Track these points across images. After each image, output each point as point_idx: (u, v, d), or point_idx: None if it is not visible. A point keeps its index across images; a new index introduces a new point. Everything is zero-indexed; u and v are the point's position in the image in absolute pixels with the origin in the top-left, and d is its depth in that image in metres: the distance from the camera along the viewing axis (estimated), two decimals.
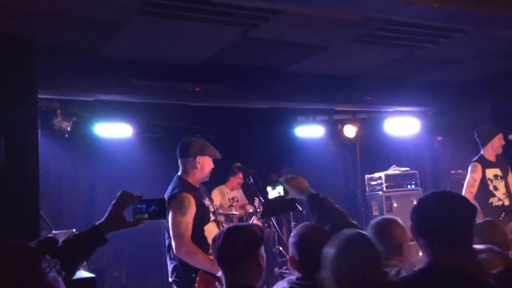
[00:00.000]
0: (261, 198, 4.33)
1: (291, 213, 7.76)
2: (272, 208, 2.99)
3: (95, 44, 5.12)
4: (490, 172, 5.44)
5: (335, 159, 8.77)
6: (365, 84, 6.81)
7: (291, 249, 2.61)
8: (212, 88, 6.09)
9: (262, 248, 2.29)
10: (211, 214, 3.77)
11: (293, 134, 8.03)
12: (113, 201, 2.12)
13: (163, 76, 5.82)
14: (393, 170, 7.39)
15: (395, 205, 7.18)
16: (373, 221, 3.00)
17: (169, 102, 6.31)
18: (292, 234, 2.61)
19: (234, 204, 7.81)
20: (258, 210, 4.86)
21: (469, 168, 5.48)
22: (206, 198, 3.83)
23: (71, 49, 5.15)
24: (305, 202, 2.77)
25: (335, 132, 8.03)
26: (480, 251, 2.48)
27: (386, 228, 2.86)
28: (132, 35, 4.80)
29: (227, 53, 5.45)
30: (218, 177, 8.01)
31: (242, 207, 7.86)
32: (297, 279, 2.57)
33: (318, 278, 2.38)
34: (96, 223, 2.09)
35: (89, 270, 5.20)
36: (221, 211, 7.46)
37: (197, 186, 3.82)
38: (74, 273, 2.01)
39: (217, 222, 3.80)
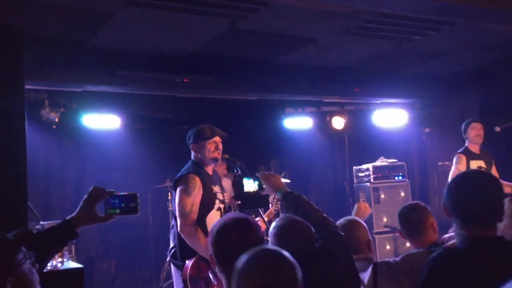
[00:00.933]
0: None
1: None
2: (247, 201, 3.00)
3: (83, 35, 5.09)
4: (474, 164, 5.52)
5: (324, 150, 8.79)
6: (354, 76, 6.84)
7: (270, 239, 2.65)
8: (200, 79, 6.08)
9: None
10: (217, 201, 3.84)
11: (282, 126, 8.05)
12: (85, 196, 2.15)
13: (152, 67, 5.81)
14: (380, 162, 7.44)
15: (382, 196, 7.23)
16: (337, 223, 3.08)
17: (158, 93, 6.30)
18: (272, 226, 2.64)
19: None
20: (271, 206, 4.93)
21: (454, 160, 5.58)
22: (217, 186, 3.92)
23: (59, 39, 5.12)
24: (281, 199, 2.80)
25: (323, 123, 8.05)
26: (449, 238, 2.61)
27: (352, 228, 2.95)
28: (121, 26, 4.77)
29: (216, 44, 5.44)
30: None
31: (231, 197, 7.87)
32: None
33: None
34: (68, 218, 2.11)
35: (78, 261, 5.21)
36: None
37: (210, 172, 3.94)
38: (45, 266, 2.02)
39: (221, 211, 3.85)
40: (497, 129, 5.50)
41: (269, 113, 8.16)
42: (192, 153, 4.00)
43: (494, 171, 5.64)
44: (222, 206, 3.90)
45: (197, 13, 4.49)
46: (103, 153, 7.31)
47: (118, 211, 2.20)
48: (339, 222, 3.05)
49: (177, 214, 3.68)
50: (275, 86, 6.71)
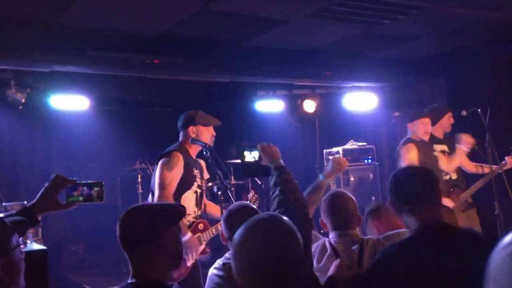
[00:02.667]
0: (219, 171, 4.35)
1: (250, 186, 7.82)
2: (247, 170, 3.13)
3: (50, 13, 4.97)
4: (438, 148, 5.64)
5: (295, 133, 8.84)
6: (325, 59, 6.86)
7: (222, 224, 2.72)
8: (171, 61, 6.02)
9: (176, 232, 2.07)
10: (195, 184, 4.07)
11: (253, 109, 8.04)
12: (46, 184, 2.16)
13: (121, 48, 5.72)
14: (350, 145, 7.52)
15: (352, 179, 7.33)
16: (327, 195, 3.10)
17: (127, 74, 6.21)
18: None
19: None
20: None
21: None
22: (198, 171, 4.14)
23: (25, 18, 5.00)
24: (272, 170, 2.87)
25: (295, 106, 8.08)
26: None
27: (346, 202, 3.01)
28: (90, 4, 4.69)
29: (186, 26, 5.39)
30: None
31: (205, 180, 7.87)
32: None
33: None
34: (28, 205, 2.13)
35: (45, 244, 5.16)
36: None
37: (194, 157, 4.19)
38: (6, 253, 2.02)
39: (197, 194, 4.08)
40: (463, 113, 5.60)
41: (241, 96, 8.14)
42: (182, 135, 4.23)
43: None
44: (199, 190, 4.12)
45: None
46: (71, 134, 7.22)
47: (81, 198, 2.23)
48: (330, 193, 3.11)
49: (156, 186, 3.85)
50: (246, 68, 6.69)
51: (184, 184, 4.02)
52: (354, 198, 3.06)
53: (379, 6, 4.91)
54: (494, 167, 5.49)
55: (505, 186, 5.32)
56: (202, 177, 4.24)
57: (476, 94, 6.69)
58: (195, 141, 4.16)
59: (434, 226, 2.26)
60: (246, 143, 3.04)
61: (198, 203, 4.18)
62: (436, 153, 5.56)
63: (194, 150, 4.22)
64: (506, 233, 1.00)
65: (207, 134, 4.19)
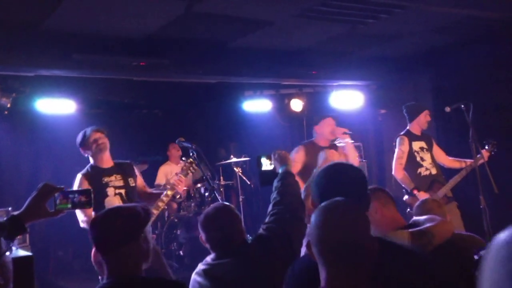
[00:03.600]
0: (207, 173, 4.40)
1: (239, 187, 7.85)
2: (264, 178, 3.20)
3: (35, 17, 4.95)
4: (416, 145, 5.80)
5: (283, 132, 8.89)
6: (311, 58, 6.90)
7: (199, 227, 2.74)
8: (157, 63, 6.02)
9: (148, 231, 2.20)
10: (111, 189, 4.46)
11: (241, 109, 8.08)
12: (34, 193, 2.19)
13: (107, 51, 5.71)
14: (338, 143, 7.56)
15: None
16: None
17: (114, 76, 6.20)
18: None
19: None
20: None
21: (397, 142, 5.87)
22: (114, 175, 4.53)
23: (9, 21, 4.97)
24: (280, 172, 2.98)
25: (282, 106, 8.13)
26: (425, 221, 2.65)
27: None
28: (75, 7, 4.67)
29: (172, 27, 5.40)
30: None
31: (191, 181, 7.89)
32: (212, 259, 2.66)
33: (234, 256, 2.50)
34: (15, 213, 2.15)
35: (33, 250, 5.16)
36: (168, 187, 7.47)
37: (103, 166, 4.60)
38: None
39: (121, 195, 4.43)
40: (447, 109, 5.70)
41: (228, 96, 8.18)
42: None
43: (436, 150, 5.90)
44: (122, 191, 4.50)
45: None
46: (58, 138, 7.20)
47: (69, 205, 2.29)
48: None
49: None
50: (233, 69, 6.71)
51: (97, 196, 4.30)
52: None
53: (362, 5, 4.95)
54: (470, 161, 5.61)
55: (490, 180, 5.40)
56: (124, 176, 4.59)
57: (460, 91, 6.77)
58: (181, 142, 4.19)
59: None
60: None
61: (127, 200, 4.51)
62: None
63: (96, 161, 4.63)
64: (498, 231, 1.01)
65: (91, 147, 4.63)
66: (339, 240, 1.75)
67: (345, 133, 5.34)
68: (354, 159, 5.31)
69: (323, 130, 5.44)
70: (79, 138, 4.64)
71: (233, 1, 4.74)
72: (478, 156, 5.52)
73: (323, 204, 1.87)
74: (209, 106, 8.50)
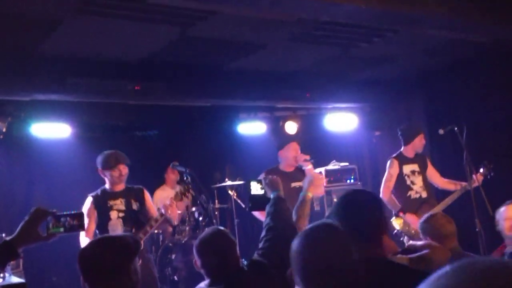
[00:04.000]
0: (202, 196, 4.41)
1: (234, 210, 7.82)
2: (254, 203, 3.18)
3: (31, 42, 5.00)
4: (407, 168, 5.79)
5: (277, 155, 8.87)
6: (304, 81, 6.95)
7: (194, 253, 2.71)
8: (152, 86, 6.06)
9: (136, 262, 2.19)
10: (114, 212, 4.57)
11: (236, 131, 8.09)
12: (26, 217, 2.19)
13: (102, 75, 5.75)
14: (332, 165, 7.56)
15: (335, 199, 7.34)
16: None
17: (108, 100, 6.23)
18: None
19: (177, 202, 7.78)
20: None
21: (388, 164, 5.84)
22: (119, 199, 4.62)
23: (6, 46, 5.01)
24: (272, 198, 2.99)
25: (276, 128, 8.14)
26: (421, 247, 2.65)
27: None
28: (69, 33, 4.73)
29: (166, 51, 5.45)
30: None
31: (187, 206, 7.86)
32: (206, 285, 2.64)
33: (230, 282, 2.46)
34: (8, 239, 2.14)
35: (26, 276, 5.12)
36: (163, 210, 7.43)
37: (115, 190, 4.69)
38: None
39: (123, 219, 4.52)
40: (441, 131, 5.72)
41: (223, 119, 8.20)
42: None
43: (430, 171, 5.90)
44: (123, 215, 4.60)
45: (145, 21, 4.50)
46: (53, 162, 7.18)
47: (62, 229, 2.29)
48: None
49: None
50: (227, 92, 6.75)
51: (100, 218, 4.60)
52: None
53: (354, 29, 5.02)
54: (463, 184, 5.61)
55: (485, 203, 5.40)
56: (127, 200, 4.67)
57: (453, 113, 6.82)
58: (175, 166, 4.21)
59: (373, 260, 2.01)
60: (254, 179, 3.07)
61: (128, 224, 4.58)
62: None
63: (110, 185, 4.73)
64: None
65: (112, 175, 4.70)
66: (320, 265, 1.73)
67: (306, 160, 5.26)
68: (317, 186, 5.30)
69: (287, 155, 5.40)
70: (103, 159, 4.65)
71: (226, 25, 4.80)
72: (472, 179, 5.51)
73: (305, 229, 1.87)
74: (204, 129, 8.51)
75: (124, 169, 4.66)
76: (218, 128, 8.41)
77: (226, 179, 7.67)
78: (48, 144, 6.74)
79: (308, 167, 5.25)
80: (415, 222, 5.29)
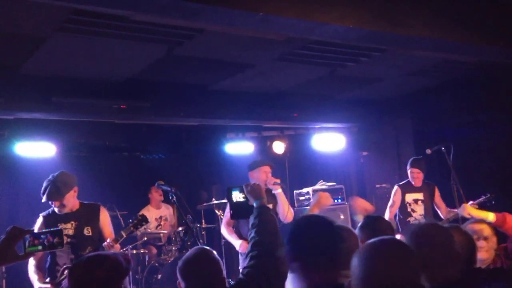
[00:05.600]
0: (188, 216, 4.34)
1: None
2: (235, 211, 3.08)
3: (14, 60, 4.96)
4: (410, 197, 6.02)
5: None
6: (292, 101, 6.95)
7: (178, 274, 2.61)
8: (138, 105, 6.02)
9: (127, 281, 2.20)
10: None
11: (223, 151, 8.04)
12: (2, 237, 2.16)
13: (87, 93, 5.70)
14: (320, 185, 7.53)
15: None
16: None
17: (94, 119, 6.18)
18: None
19: (162, 223, 7.69)
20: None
21: (393, 190, 6.14)
22: (70, 223, 4.34)
23: None
24: (256, 207, 2.85)
25: (264, 148, 8.11)
26: None
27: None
28: (54, 51, 4.68)
29: (153, 70, 5.42)
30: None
31: (172, 225, 7.77)
32: None
33: None
34: None
35: (9, 286, 5.02)
36: (148, 230, 7.33)
37: (67, 211, 4.38)
38: None
39: (71, 244, 4.24)
40: (428, 151, 5.77)
41: (210, 139, 8.15)
42: None
43: (437, 201, 5.96)
44: (73, 240, 4.30)
45: (131, 39, 4.47)
46: (38, 182, 7.03)
47: (40, 247, 2.25)
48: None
49: None
50: (215, 111, 6.72)
51: None
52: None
53: (342, 49, 5.03)
54: (455, 211, 5.63)
55: None
56: (80, 226, 4.38)
57: (440, 133, 6.84)
58: (160, 186, 4.14)
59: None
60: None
61: (76, 251, 4.30)
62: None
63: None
64: None
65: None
66: (385, 281, 1.70)
67: (275, 183, 5.29)
68: (284, 210, 5.28)
69: (258, 177, 5.38)
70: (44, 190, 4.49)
71: (213, 45, 4.78)
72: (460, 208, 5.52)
73: (368, 242, 1.85)
74: (191, 149, 8.45)
75: (56, 203, 4.41)
76: (206, 147, 8.36)
77: (213, 199, 7.60)
78: (32, 163, 6.63)
79: (278, 190, 5.30)
80: None
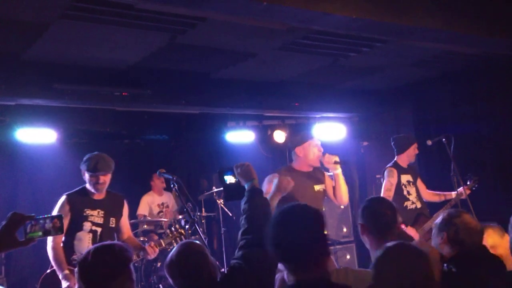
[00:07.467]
0: (189, 204, 4.35)
1: (221, 218, 7.78)
2: (228, 193, 3.01)
3: (16, 47, 4.95)
4: (404, 178, 5.72)
5: (265, 164, 8.84)
6: (293, 90, 6.95)
7: (166, 270, 2.59)
8: (139, 93, 6.01)
9: (132, 268, 2.28)
10: (88, 224, 4.25)
11: (224, 139, 8.06)
12: (3, 223, 2.17)
13: (89, 81, 5.69)
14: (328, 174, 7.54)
15: (323, 209, 7.32)
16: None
17: (95, 106, 6.17)
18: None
19: (164, 210, 7.73)
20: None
21: (385, 173, 5.72)
22: (97, 210, 4.27)
23: None
24: (246, 191, 2.77)
25: (265, 137, 8.12)
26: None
27: None
28: (56, 38, 4.67)
29: (155, 58, 5.41)
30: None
31: (174, 212, 7.81)
32: None
33: None
34: None
35: (9, 282, 5.03)
36: (149, 218, 7.37)
37: (92, 197, 4.33)
38: None
39: (94, 234, 4.20)
40: (429, 142, 5.74)
41: (211, 127, 8.16)
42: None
43: (419, 184, 5.88)
44: (98, 229, 4.27)
45: (134, 27, 4.46)
46: (38, 168, 7.11)
47: (40, 233, 2.25)
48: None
49: None
50: (216, 100, 6.71)
51: (72, 225, 4.23)
52: None
53: (344, 39, 5.01)
54: (450, 194, 5.63)
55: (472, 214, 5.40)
56: (107, 216, 4.33)
57: (441, 124, 6.85)
58: (162, 174, 4.15)
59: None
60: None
61: (100, 240, 4.25)
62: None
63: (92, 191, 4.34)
64: None
65: (90, 181, 4.38)
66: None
67: (336, 162, 4.50)
68: (343, 193, 4.70)
69: (307, 153, 4.60)
70: (84, 161, 4.35)
71: (216, 33, 4.77)
72: (459, 191, 5.50)
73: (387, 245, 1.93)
74: (192, 137, 8.47)
75: (103, 178, 4.30)
76: (206, 136, 8.37)
77: (213, 187, 7.63)
78: (33, 150, 6.67)
79: (337, 171, 4.48)
80: (416, 235, 5.26)
